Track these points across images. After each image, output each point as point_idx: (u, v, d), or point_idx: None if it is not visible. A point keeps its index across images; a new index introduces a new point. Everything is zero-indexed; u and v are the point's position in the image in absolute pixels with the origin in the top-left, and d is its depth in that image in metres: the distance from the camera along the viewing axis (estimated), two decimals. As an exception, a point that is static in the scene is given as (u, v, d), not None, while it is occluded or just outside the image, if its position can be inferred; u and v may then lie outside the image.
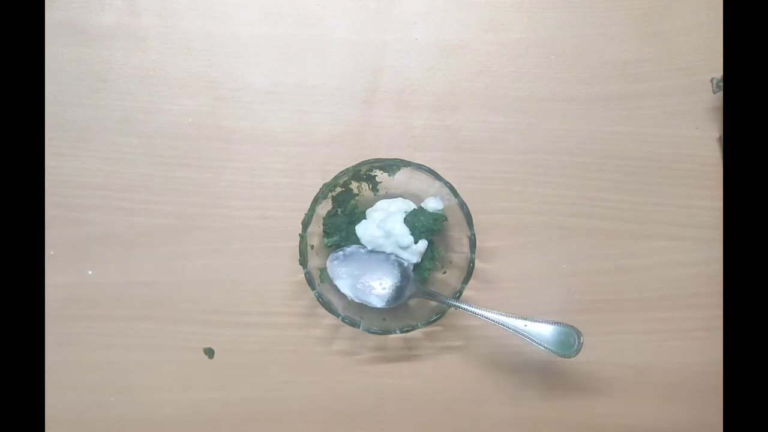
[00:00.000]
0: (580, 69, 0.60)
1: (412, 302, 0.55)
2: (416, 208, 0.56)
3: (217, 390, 0.58)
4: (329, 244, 0.56)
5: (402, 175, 0.55)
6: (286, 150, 0.59)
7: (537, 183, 0.60)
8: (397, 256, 0.55)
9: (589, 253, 0.59)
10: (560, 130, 0.60)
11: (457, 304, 0.52)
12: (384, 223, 0.54)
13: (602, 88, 0.60)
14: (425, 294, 0.54)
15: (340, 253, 0.55)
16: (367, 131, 0.60)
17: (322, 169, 0.58)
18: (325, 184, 0.54)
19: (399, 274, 0.54)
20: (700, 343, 0.59)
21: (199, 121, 0.59)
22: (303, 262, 0.53)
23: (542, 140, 0.60)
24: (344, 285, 0.54)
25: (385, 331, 0.53)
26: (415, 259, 0.55)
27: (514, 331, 0.51)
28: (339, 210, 0.56)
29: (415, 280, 0.55)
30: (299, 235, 0.54)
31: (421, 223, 0.54)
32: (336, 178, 0.54)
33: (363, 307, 0.55)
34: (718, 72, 0.60)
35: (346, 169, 0.54)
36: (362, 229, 0.55)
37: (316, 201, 0.53)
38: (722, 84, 0.58)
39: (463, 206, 0.54)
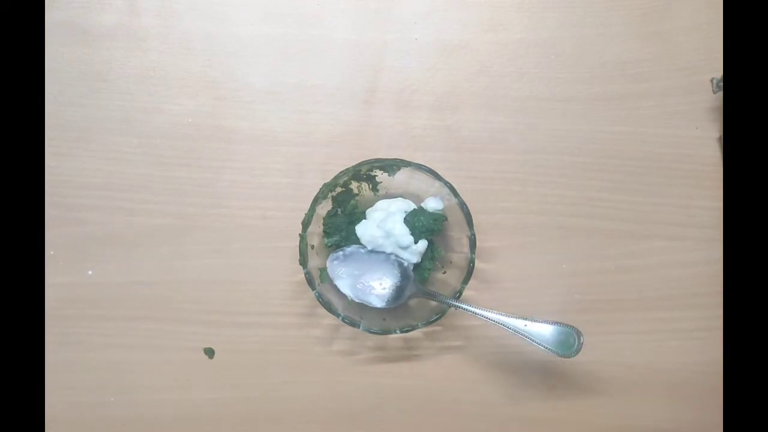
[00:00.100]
0: (580, 69, 0.60)
1: (412, 302, 0.55)
2: (416, 208, 0.56)
3: (217, 390, 0.58)
4: (329, 244, 0.56)
5: (402, 175, 0.55)
6: (286, 150, 0.59)
7: (537, 183, 0.60)
8: (397, 256, 0.55)
9: (589, 253, 0.59)
10: (560, 130, 0.60)
11: (457, 304, 0.52)
12: (384, 223, 0.54)
13: (602, 88, 0.60)
14: (425, 294, 0.54)
15: (340, 253, 0.55)
16: (367, 131, 0.60)
17: (322, 169, 0.58)
18: (325, 184, 0.54)
19: (399, 274, 0.54)
20: (700, 343, 0.59)
21: (199, 121, 0.59)
22: (303, 262, 0.53)
23: (542, 140, 0.60)
24: (344, 285, 0.54)
25: (385, 331, 0.53)
26: (415, 259, 0.55)
27: (514, 331, 0.51)
28: (339, 210, 0.56)
29: (415, 280, 0.55)
30: (299, 235, 0.54)
31: (421, 223, 0.54)
32: (336, 178, 0.54)
33: (363, 307, 0.55)
34: (718, 72, 0.60)
35: (346, 169, 0.54)
36: (362, 229, 0.55)
37: (316, 201, 0.53)
38: (722, 84, 0.58)
39: (463, 206, 0.54)
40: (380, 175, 0.56)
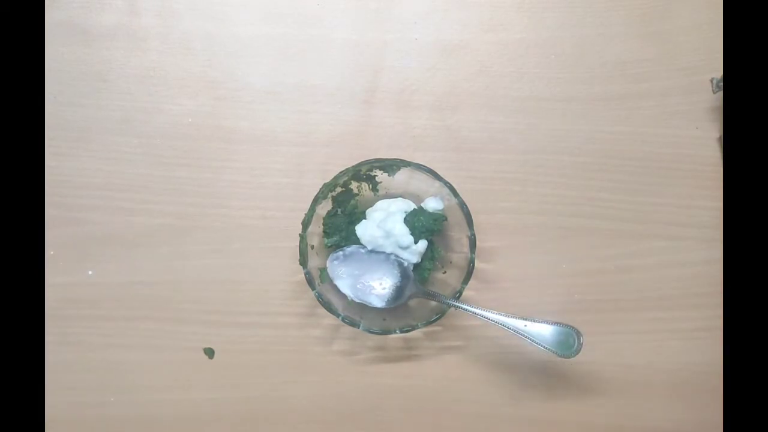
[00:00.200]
0: (580, 69, 0.60)
1: (412, 302, 0.55)
2: (416, 208, 0.56)
3: (217, 390, 0.58)
4: (329, 244, 0.56)
5: (402, 175, 0.55)
6: (286, 150, 0.59)
7: (537, 183, 0.60)
8: (397, 256, 0.55)
9: (589, 253, 0.59)
10: (560, 130, 0.60)
11: (457, 304, 0.52)
12: (384, 223, 0.54)
13: (602, 88, 0.60)
14: (425, 294, 0.54)
15: (340, 253, 0.55)
16: (367, 131, 0.60)
17: (322, 169, 0.58)
18: (325, 184, 0.54)
19: (399, 274, 0.54)
20: (700, 343, 0.59)
21: (199, 121, 0.59)
22: (303, 262, 0.53)
23: (542, 140, 0.60)
24: (344, 285, 0.54)
25: (385, 331, 0.53)
26: (415, 259, 0.55)
27: (514, 331, 0.51)
28: (339, 210, 0.56)
29: (415, 280, 0.55)
30: (299, 235, 0.54)
31: (421, 223, 0.54)
32: (336, 178, 0.54)
33: (363, 307, 0.55)
34: (718, 72, 0.60)
35: (346, 169, 0.54)
36: (362, 229, 0.55)
37: (316, 201, 0.53)
38: (722, 84, 0.58)
39: (463, 206, 0.54)
40: (380, 175, 0.56)
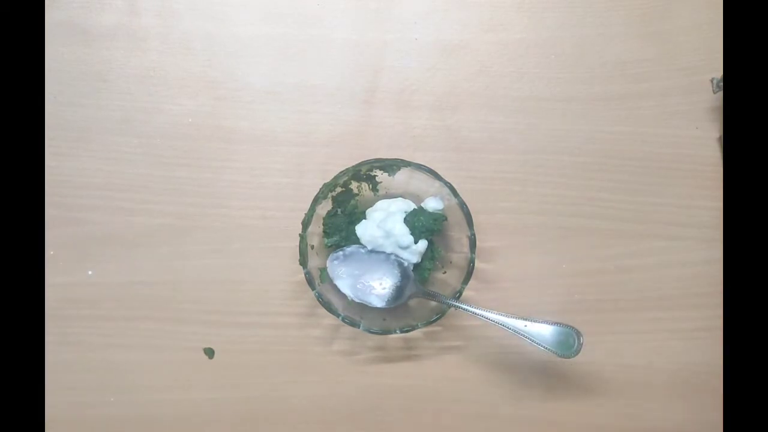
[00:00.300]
0: (580, 69, 0.60)
1: (412, 302, 0.55)
2: (416, 208, 0.56)
3: (217, 390, 0.58)
4: (329, 244, 0.56)
5: (402, 175, 0.55)
6: (286, 150, 0.59)
7: (537, 183, 0.60)
8: (397, 256, 0.55)
9: (589, 253, 0.59)
10: (560, 130, 0.60)
11: (457, 304, 0.52)
12: (384, 223, 0.54)
13: (602, 88, 0.60)
14: (425, 294, 0.54)
15: (340, 253, 0.55)
16: (367, 131, 0.60)
17: (322, 169, 0.58)
18: (325, 184, 0.54)
19: (399, 274, 0.54)
20: (700, 343, 0.59)
21: (199, 121, 0.59)
22: (303, 262, 0.53)
23: (542, 140, 0.60)
24: (344, 285, 0.54)
25: (385, 331, 0.53)
26: (415, 259, 0.55)
27: (514, 331, 0.51)
28: (339, 210, 0.56)
29: (415, 280, 0.55)
30: (299, 235, 0.54)
31: (421, 223, 0.54)
32: (336, 178, 0.54)
33: (363, 307, 0.55)
34: (718, 72, 0.60)
35: (346, 169, 0.54)
36: (362, 229, 0.55)
37: (316, 201, 0.53)
38: (722, 84, 0.58)
39: (463, 206, 0.54)
40: (380, 175, 0.56)
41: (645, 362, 0.59)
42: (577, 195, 0.60)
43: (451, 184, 0.54)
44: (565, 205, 0.60)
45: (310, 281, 0.54)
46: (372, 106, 0.60)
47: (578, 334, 0.51)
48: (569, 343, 0.51)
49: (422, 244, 0.55)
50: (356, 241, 0.55)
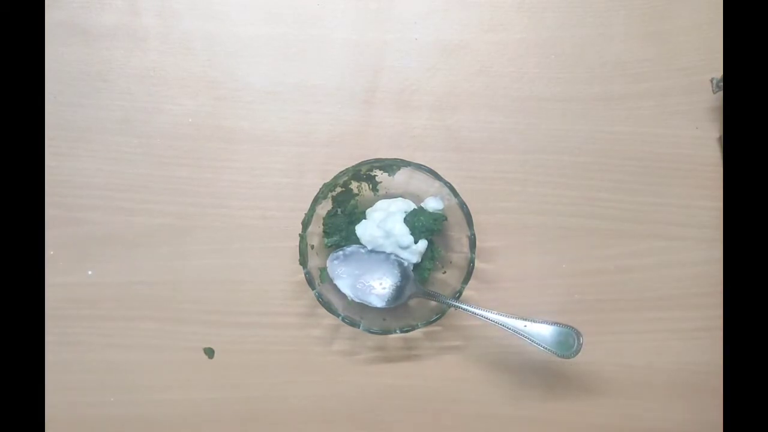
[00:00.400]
0: (580, 69, 0.60)
1: (412, 302, 0.55)
2: (416, 208, 0.56)
3: (217, 390, 0.58)
4: (329, 244, 0.56)
5: (402, 175, 0.55)
6: (287, 150, 0.59)
7: (537, 183, 0.60)
8: (397, 256, 0.55)
9: (589, 253, 0.59)
10: (560, 130, 0.60)
11: (457, 304, 0.52)
12: (384, 223, 0.54)
13: (602, 88, 0.60)
14: (425, 294, 0.54)
15: (340, 253, 0.55)
16: (367, 131, 0.60)
17: (322, 169, 0.58)
18: (325, 184, 0.54)
19: (399, 274, 0.54)
20: (700, 343, 0.59)
21: (199, 121, 0.59)
22: (303, 262, 0.53)
23: (542, 140, 0.60)
24: (344, 285, 0.54)
25: (385, 331, 0.53)
26: (415, 259, 0.55)
27: (514, 331, 0.51)
28: (339, 210, 0.56)
29: (415, 280, 0.55)
30: (299, 235, 0.54)
31: (421, 223, 0.54)
32: (336, 178, 0.54)
33: (363, 307, 0.55)
34: (718, 72, 0.60)
35: (346, 169, 0.54)
36: (362, 229, 0.55)
37: (316, 201, 0.53)
38: (722, 84, 0.58)
39: (463, 206, 0.54)
40: (380, 175, 0.56)
41: (645, 362, 0.59)
42: (577, 195, 0.60)
43: (451, 184, 0.54)
44: (565, 205, 0.60)
45: (310, 281, 0.54)
46: (372, 106, 0.60)
47: (578, 334, 0.51)
48: (569, 343, 0.51)
49: (422, 244, 0.55)
50: (356, 241, 0.55)
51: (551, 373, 0.59)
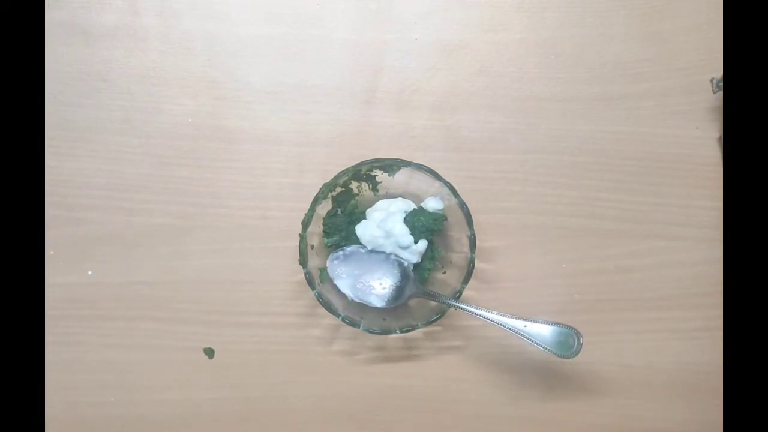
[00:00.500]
0: (580, 69, 0.60)
1: (412, 302, 0.55)
2: (416, 208, 0.56)
3: (217, 390, 0.58)
4: (329, 244, 0.56)
5: (402, 175, 0.55)
6: (287, 150, 0.59)
7: (537, 183, 0.60)
8: (397, 256, 0.55)
9: (589, 253, 0.59)
10: (560, 130, 0.60)
11: (457, 304, 0.52)
12: (384, 223, 0.54)
13: (602, 88, 0.60)
14: (425, 294, 0.54)
15: (340, 253, 0.55)
16: (367, 131, 0.60)
17: (322, 169, 0.58)
18: (325, 184, 0.54)
19: (399, 274, 0.54)
20: (700, 343, 0.59)
21: (199, 121, 0.59)
22: (303, 262, 0.53)
23: (542, 140, 0.60)
24: (344, 285, 0.54)
25: (385, 331, 0.53)
26: (415, 259, 0.55)
27: (514, 331, 0.51)
28: (339, 210, 0.56)
29: (415, 280, 0.55)
30: (299, 235, 0.54)
31: (421, 223, 0.54)
32: (336, 178, 0.54)
33: (363, 307, 0.55)
34: (718, 72, 0.60)
35: (346, 169, 0.54)
36: (362, 229, 0.55)
37: (316, 201, 0.53)
38: (722, 84, 0.58)
39: (463, 206, 0.54)
40: (380, 175, 0.56)
41: (645, 362, 0.59)
42: (577, 195, 0.60)
43: (451, 184, 0.54)
44: (565, 205, 0.60)
45: (310, 281, 0.54)
46: (372, 106, 0.60)
47: (578, 334, 0.51)
48: (569, 343, 0.51)
49: (422, 244, 0.55)
50: (356, 241, 0.55)
51: (551, 373, 0.59)
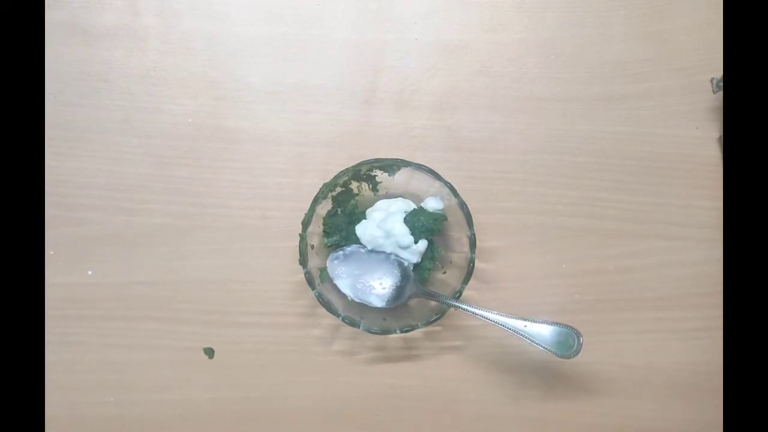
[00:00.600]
0: (580, 69, 0.60)
1: (412, 302, 0.55)
2: (416, 208, 0.56)
3: (217, 390, 0.58)
4: (329, 244, 0.56)
5: (402, 175, 0.55)
6: (287, 150, 0.59)
7: (537, 183, 0.60)
8: (397, 255, 0.55)
9: (589, 253, 0.59)
10: (560, 130, 0.60)
11: (457, 304, 0.52)
12: (384, 223, 0.54)
13: (602, 88, 0.60)
14: (425, 294, 0.54)
15: (340, 252, 0.55)
16: (367, 131, 0.60)
17: (322, 169, 0.58)
18: (325, 184, 0.54)
19: (399, 274, 0.54)
20: (700, 343, 0.59)
21: (199, 121, 0.59)
22: (303, 262, 0.53)
23: (542, 140, 0.60)
24: (344, 285, 0.54)
25: (385, 331, 0.53)
26: (415, 259, 0.55)
27: (514, 331, 0.51)
28: (339, 210, 0.56)
29: (415, 280, 0.55)
30: (299, 235, 0.54)
31: (421, 223, 0.54)
32: (336, 178, 0.54)
33: (363, 307, 0.55)
34: (718, 72, 0.60)
35: (346, 169, 0.54)
36: (362, 229, 0.55)
37: (316, 201, 0.53)
38: (722, 84, 0.58)
39: (463, 206, 0.54)
40: (380, 175, 0.56)
41: (645, 362, 0.59)
42: (577, 195, 0.60)
43: (451, 184, 0.54)
44: (565, 205, 0.60)
45: (310, 281, 0.54)
46: (372, 106, 0.60)
47: (578, 334, 0.51)
48: (569, 343, 0.51)
49: (422, 244, 0.55)
50: (356, 241, 0.55)
51: (551, 373, 0.59)
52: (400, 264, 0.55)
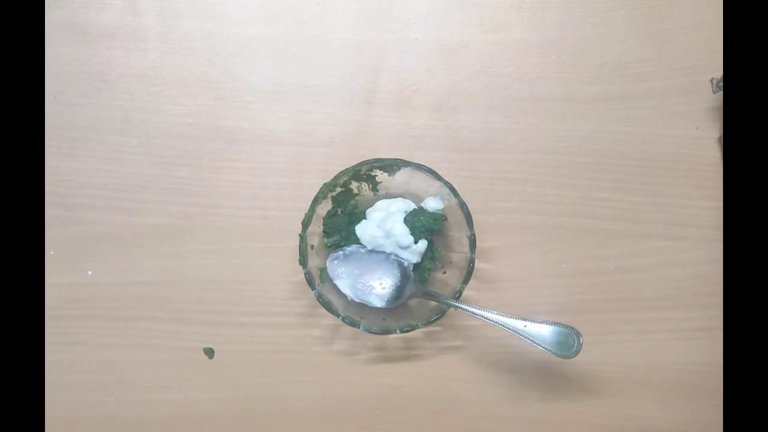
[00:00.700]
0: (580, 69, 0.60)
1: (412, 302, 0.55)
2: (416, 208, 0.56)
3: (217, 390, 0.58)
4: (329, 244, 0.56)
5: (402, 175, 0.55)
6: (287, 150, 0.59)
7: (537, 183, 0.60)
8: (397, 256, 0.55)
9: (589, 253, 0.59)
10: (560, 130, 0.60)
11: (457, 304, 0.52)
12: (384, 223, 0.54)
13: (602, 88, 0.60)
14: (425, 294, 0.54)
15: (340, 252, 0.55)
16: (367, 131, 0.60)
17: (322, 169, 0.58)
18: (325, 184, 0.54)
19: (399, 274, 0.54)
20: (700, 343, 0.59)
21: (199, 121, 0.59)
22: (303, 262, 0.53)
23: (542, 140, 0.60)
24: (344, 285, 0.54)
25: (385, 331, 0.53)
26: (415, 259, 0.55)
27: (514, 331, 0.51)
28: (339, 210, 0.56)
29: (415, 280, 0.55)
30: (299, 235, 0.54)
31: (421, 223, 0.54)
32: (336, 178, 0.54)
33: (363, 307, 0.55)
34: (718, 72, 0.60)
35: (346, 169, 0.54)
36: (362, 229, 0.55)
37: (316, 201, 0.53)
38: (722, 84, 0.58)
39: (463, 206, 0.54)
40: (380, 175, 0.56)
41: (645, 362, 0.59)
42: (577, 195, 0.60)
43: (451, 184, 0.54)
44: (565, 205, 0.60)
45: (310, 281, 0.54)
46: (372, 106, 0.60)
47: (578, 334, 0.51)
48: (569, 343, 0.51)
49: (422, 244, 0.55)
50: (356, 241, 0.55)
51: (551, 373, 0.59)
52: (400, 264, 0.55)
